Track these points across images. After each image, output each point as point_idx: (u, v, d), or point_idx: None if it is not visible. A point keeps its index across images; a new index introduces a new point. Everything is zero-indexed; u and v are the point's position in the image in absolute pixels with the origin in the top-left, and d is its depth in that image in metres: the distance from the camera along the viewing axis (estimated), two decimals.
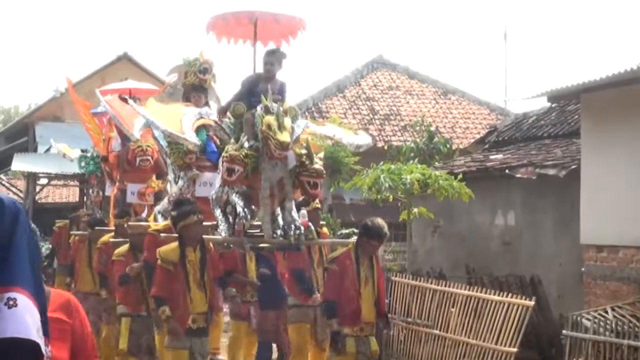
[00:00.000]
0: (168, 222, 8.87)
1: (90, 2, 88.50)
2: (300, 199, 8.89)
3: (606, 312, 9.82)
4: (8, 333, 2.19)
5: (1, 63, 79.55)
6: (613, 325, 9.42)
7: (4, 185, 31.19)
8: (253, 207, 8.52)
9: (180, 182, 9.91)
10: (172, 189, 10.18)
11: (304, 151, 8.12)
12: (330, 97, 24.66)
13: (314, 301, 9.23)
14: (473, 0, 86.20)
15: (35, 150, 26.29)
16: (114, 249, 9.82)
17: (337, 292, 7.90)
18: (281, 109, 7.83)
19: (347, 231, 15.10)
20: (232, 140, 8.57)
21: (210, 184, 9.31)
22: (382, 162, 13.76)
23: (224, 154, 8.14)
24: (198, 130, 9.07)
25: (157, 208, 10.28)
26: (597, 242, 11.30)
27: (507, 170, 13.79)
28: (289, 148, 7.75)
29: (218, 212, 8.44)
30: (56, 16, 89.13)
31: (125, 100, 10.58)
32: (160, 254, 7.86)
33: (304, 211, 8.78)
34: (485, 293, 10.36)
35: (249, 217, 8.26)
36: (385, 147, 20.30)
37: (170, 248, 7.89)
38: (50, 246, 15.47)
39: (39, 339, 2.25)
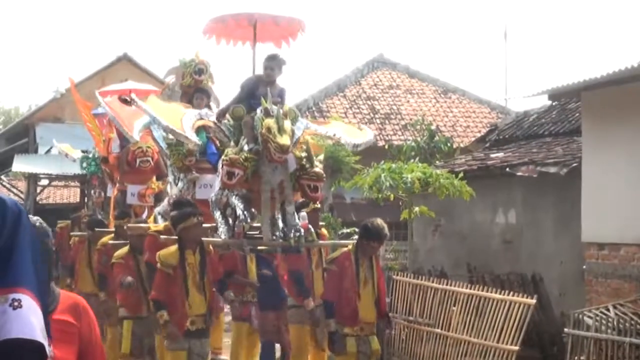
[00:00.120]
0: (168, 223, 8.87)
1: (90, 3, 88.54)
2: (300, 201, 8.89)
3: (608, 310, 9.81)
4: (13, 334, 2.19)
5: (1, 64, 79.57)
6: (615, 323, 9.41)
7: (4, 186, 31.21)
8: (253, 209, 8.51)
9: (180, 184, 9.91)
10: (172, 190, 10.18)
11: (304, 154, 8.11)
12: (331, 97, 24.66)
13: (307, 306, 9.22)
14: None
15: (35, 151, 26.31)
16: (113, 250, 9.81)
17: (336, 292, 7.91)
18: (281, 111, 7.81)
19: (348, 230, 15.13)
20: (232, 143, 8.55)
21: (210, 186, 9.31)
22: (382, 161, 13.75)
23: (223, 157, 8.12)
24: (198, 131, 9.06)
25: (157, 209, 10.27)
26: (599, 240, 11.30)
27: (508, 169, 13.78)
28: (289, 151, 7.74)
29: (218, 215, 8.43)
30: (56, 17, 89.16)
31: (125, 101, 10.57)
32: (160, 258, 7.86)
33: (303, 213, 8.79)
34: (487, 291, 10.36)
35: (248, 219, 8.25)
36: (386, 146, 20.29)
37: (169, 252, 7.89)
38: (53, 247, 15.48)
39: (44, 340, 2.25)
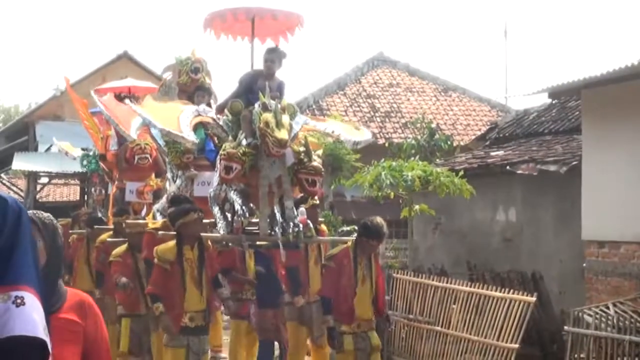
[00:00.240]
0: (166, 220, 8.87)
1: (90, 1, 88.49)
2: (299, 196, 8.88)
3: (608, 307, 9.81)
4: (16, 331, 2.20)
5: (1, 62, 79.54)
6: (615, 321, 9.41)
7: (4, 184, 31.22)
8: (251, 204, 8.50)
9: (179, 181, 9.91)
10: (171, 187, 10.18)
11: (302, 148, 8.11)
12: (331, 95, 24.65)
13: (296, 303, 9.20)
14: None
15: (35, 149, 26.31)
16: (112, 247, 9.80)
17: (334, 289, 7.90)
18: (279, 106, 7.81)
19: (348, 228, 15.12)
20: (230, 138, 8.54)
21: (209, 183, 9.30)
22: (383, 159, 13.74)
23: (221, 151, 8.12)
24: (196, 128, 9.05)
25: (156, 206, 10.26)
26: (599, 238, 11.30)
27: (508, 167, 13.78)
28: (287, 145, 7.73)
29: (216, 210, 8.40)
30: (56, 15, 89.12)
31: (122, 100, 10.58)
32: (158, 253, 7.84)
33: (302, 209, 8.76)
34: (487, 289, 10.35)
35: (247, 214, 8.23)
36: (386, 144, 20.28)
37: (167, 247, 7.87)
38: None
39: (46, 337, 2.26)
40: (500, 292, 10.12)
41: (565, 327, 9.97)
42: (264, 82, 8.33)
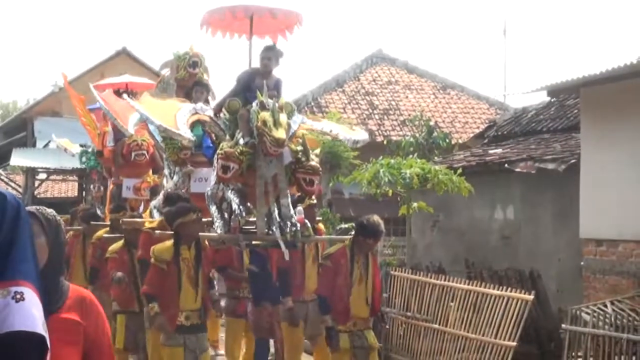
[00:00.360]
0: (162, 218, 8.84)
1: None
2: (297, 195, 8.86)
3: (605, 306, 9.81)
4: (16, 326, 2.20)
5: (0, 58, 79.43)
6: (612, 320, 9.41)
7: (2, 180, 31.20)
8: (249, 204, 8.48)
9: (176, 178, 9.89)
10: (168, 184, 10.17)
11: (299, 147, 8.09)
12: (330, 92, 24.64)
13: (285, 304, 9.18)
14: None
15: (33, 145, 26.31)
16: (108, 244, 9.78)
17: (330, 288, 7.88)
18: (277, 105, 7.79)
19: (346, 226, 15.11)
20: (228, 137, 8.52)
21: (206, 179, 9.28)
22: (381, 157, 13.74)
23: (219, 151, 8.09)
24: (194, 125, 9.04)
25: (153, 203, 10.23)
26: (597, 236, 11.30)
27: (506, 165, 13.78)
28: (285, 145, 7.71)
29: (213, 209, 8.36)
30: (55, 11, 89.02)
31: (120, 95, 10.56)
32: (154, 253, 7.80)
33: (300, 208, 8.74)
34: (485, 287, 10.35)
35: (244, 214, 8.21)
36: (385, 142, 20.28)
37: (164, 247, 7.82)
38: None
39: (45, 333, 2.26)
40: (498, 290, 10.11)
41: (563, 325, 9.97)
42: (262, 80, 8.31)
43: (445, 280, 11.01)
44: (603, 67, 10.42)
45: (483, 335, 9.96)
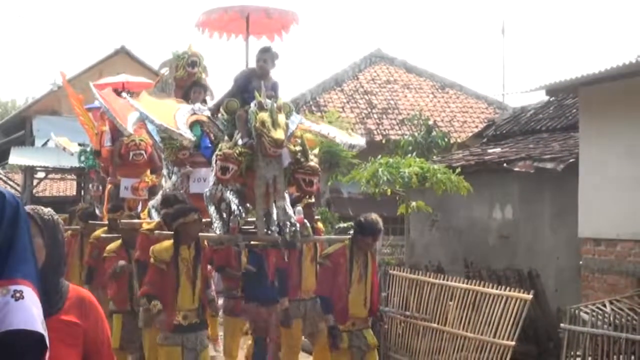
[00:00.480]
0: (160, 219, 8.82)
1: None
2: (294, 195, 8.85)
3: (604, 305, 9.81)
4: (15, 325, 2.20)
5: None
6: (611, 319, 9.42)
7: (1, 179, 31.18)
8: (248, 204, 8.46)
9: (174, 178, 9.87)
10: (167, 184, 10.15)
11: (298, 148, 8.07)
12: (328, 91, 24.64)
13: (281, 305, 9.16)
14: None
15: (32, 143, 26.29)
16: (106, 244, 9.77)
17: (330, 288, 7.87)
18: (275, 105, 7.78)
19: (345, 225, 15.14)
20: (226, 137, 8.51)
21: (204, 180, 9.25)
22: (380, 156, 13.74)
23: (217, 151, 8.06)
24: (192, 125, 9.02)
25: (151, 203, 10.20)
26: (595, 236, 11.30)
27: (505, 164, 13.77)
28: (284, 145, 7.70)
29: (212, 210, 8.32)
30: (54, 10, 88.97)
31: (119, 95, 10.53)
32: (154, 253, 7.77)
33: (299, 208, 8.73)
34: (483, 286, 10.34)
35: (243, 215, 8.19)
36: (383, 141, 20.29)
37: (163, 247, 7.79)
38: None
39: (44, 332, 2.25)
40: (496, 289, 10.11)
41: (562, 325, 9.98)
42: (259, 81, 8.30)
43: (443, 279, 11.00)
44: (602, 66, 10.44)
45: (482, 334, 9.96)
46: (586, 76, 10.77)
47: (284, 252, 8.17)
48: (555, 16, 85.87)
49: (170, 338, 7.70)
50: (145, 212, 10.28)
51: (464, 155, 16.00)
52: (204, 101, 10.03)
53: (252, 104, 7.88)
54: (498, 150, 15.35)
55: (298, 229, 8.01)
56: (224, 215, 8.35)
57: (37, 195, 28.23)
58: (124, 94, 9.97)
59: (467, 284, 10.61)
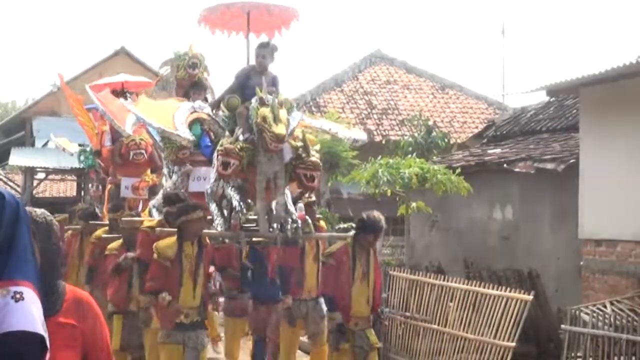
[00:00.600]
0: (162, 218, 8.81)
1: None
2: (298, 191, 8.83)
3: (605, 306, 9.81)
4: (15, 326, 2.18)
5: None
6: (611, 320, 9.41)
7: (1, 179, 31.18)
8: (249, 200, 8.45)
9: (174, 177, 9.85)
10: (167, 183, 10.14)
11: (300, 143, 8.06)
12: (328, 92, 24.63)
13: (285, 303, 9.14)
14: None
15: (32, 144, 26.29)
16: (107, 244, 9.76)
17: (334, 287, 7.86)
18: (276, 101, 7.77)
19: (345, 225, 15.11)
20: (227, 134, 8.50)
21: (204, 178, 9.24)
22: (380, 157, 13.73)
23: (219, 147, 8.06)
24: (192, 124, 9.01)
25: (152, 202, 10.18)
26: (596, 237, 11.30)
27: (505, 165, 13.77)
28: (285, 140, 7.69)
29: (213, 207, 8.30)
30: (54, 11, 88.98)
31: (119, 96, 10.50)
32: (158, 250, 7.74)
33: (301, 204, 8.71)
34: (484, 287, 10.35)
35: (245, 211, 8.18)
36: (383, 142, 20.28)
37: (167, 243, 7.78)
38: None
39: (44, 333, 2.24)
40: (497, 290, 10.11)
41: (562, 326, 9.97)
42: (258, 77, 8.30)
43: (444, 280, 11.00)
44: (602, 67, 10.44)
45: (482, 335, 9.96)
46: (587, 77, 10.76)
47: (280, 249, 8.14)
48: (555, 16, 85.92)
49: (171, 336, 7.68)
50: (146, 211, 10.27)
51: (464, 156, 15.99)
52: (205, 100, 10.02)
53: (254, 100, 7.88)
54: (498, 150, 15.34)
55: (299, 225, 8.00)
56: (225, 212, 8.34)
57: (37, 196, 28.22)
58: (121, 100, 9.95)
59: (467, 284, 10.61)
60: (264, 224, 8.03)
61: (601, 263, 11.19)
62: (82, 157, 14.17)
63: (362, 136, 9.54)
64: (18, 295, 2.23)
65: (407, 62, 26.87)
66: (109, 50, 27.72)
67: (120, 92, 12.53)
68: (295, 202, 8.44)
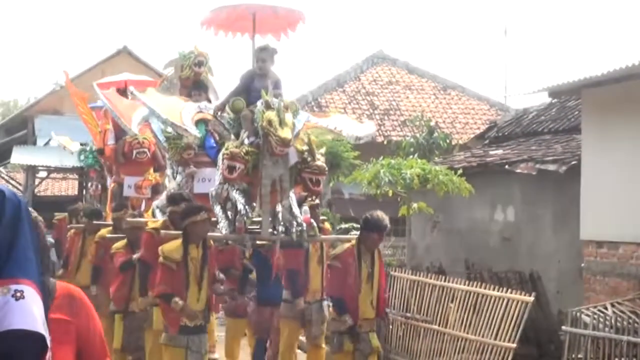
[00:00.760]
0: (166, 219, 8.80)
1: None
2: (303, 195, 8.81)
3: (606, 308, 9.80)
4: (15, 325, 2.18)
5: (1, 56, 79.46)
6: (612, 322, 9.41)
7: (3, 178, 31.18)
8: (254, 204, 8.43)
9: (179, 178, 9.83)
10: (171, 184, 10.13)
11: (305, 147, 8.06)
12: (330, 92, 24.64)
13: (298, 305, 9.13)
14: None
15: (34, 143, 26.27)
16: (111, 243, 9.75)
17: (341, 289, 7.83)
18: (282, 104, 7.76)
19: (346, 226, 15.12)
20: (232, 137, 8.49)
21: (209, 180, 9.22)
22: (381, 157, 13.73)
23: (224, 150, 8.04)
24: (197, 124, 9.01)
25: (156, 203, 10.16)
26: (597, 238, 11.29)
27: (507, 166, 13.76)
28: (290, 144, 7.69)
29: (218, 209, 8.28)
30: (56, 9, 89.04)
31: (123, 93, 10.48)
32: (164, 252, 7.69)
33: (306, 207, 8.69)
34: (485, 288, 10.34)
35: (249, 214, 8.16)
36: (385, 142, 20.27)
37: (173, 246, 7.72)
38: (53, 240, 15.44)
39: (45, 332, 2.24)
40: (498, 291, 10.11)
41: (563, 327, 9.97)
42: (261, 81, 8.29)
43: (445, 281, 11.00)
44: (604, 68, 10.43)
45: (483, 336, 9.96)
46: (589, 78, 10.76)
47: (277, 252, 8.13)
48: (558, 18, 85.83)
49: (174, 339, 7.65)
50: (150, 211, 10.26)
51: (466, 157, 15.99)
52: (208, 100, 10.01)
53: (259, 103, 7.86)
54: (500, 152, 15.34)
55: (304, 228, 7.99)
56: (230, 214, 8.32)
57: (38, 194, 28.22)
58: (131, 88, 9.92)
59: (468, 285, 10.61)
60: (267, 227, 8.03)
61: (602, 265, 11.19)
62: (81, 156, 14.18)
63: (369, 130, 9.44)
64: (18, 294, 2.22)
65: (409, 63, 26.87)
66: (111, 50, 27.72)
67: (123, 91, 12.53)
68: (300, 205, 8.42)
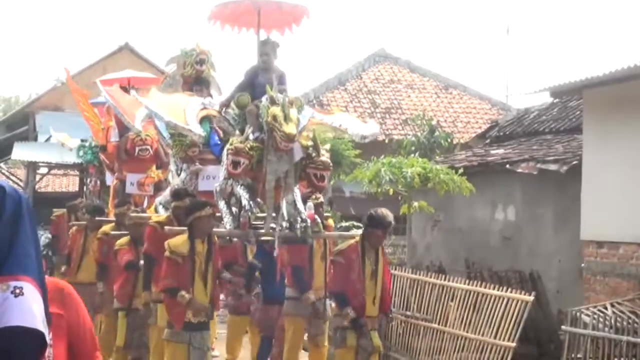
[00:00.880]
0: (170, 214, 8.80)
1: None
2: (308, 191, 8.80)
3: (605, 308, 9.81)
4: (13, 322, 2.17)
5: (2, 52, 79.45)
6: (612, 322, 9.42)
7: (3, 174, 31.18)
8: (258, 199, 8.43)
9: (183, 175, 9.83)
10: (174, 181, 10.11)
11: (310, 143, 8.05)
12: (332, 90, 24.65)
13: (306, 300, 9.12)
14: None
15: (35, 139, 26.28)
16: (115, 240, 9.75)
17: (344, 284, 7.83)
18: (287, 99, 7.76)
19: (346, 224, 15.09)
20: (237, 132, 8.49)
21: (213, 177, 9.20)
22: (383, 156, 13.74)
23: (228, 146, 8.04)
24: (202, 121, 8.98)
25: (159, 199, 10.16)
26: (598, 238, 11.30)
27: (508, 165, 13.77)
28: (295, 140, 7.68)
29: (222, 205, 8.26)
30: (58, 6, 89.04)
31: (126, 91, 10.47)
32: (170, 246, 7.66)
33: (310, 203, 8.67)
34: (485, 287, 10.35)
35: (254, 210, 8.15)
36: (386, 141, 20.28)
37: (180, 240, 7.71)
38: (51, 235, 15.45)
39: (44, 329, 2.23)
40: (498, 290, 10.12)
41: (563, 327, 9.98)
42: (265, 76, 8.29)
43: (445, 280, 11.01)
44: (606, 68, 10.45)
45: (482, 335, 9.97)
46: (591, 78, 10.77)
47: (275, 248, 8.11)
48: (560, 18, 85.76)
49: (177, 335, 7.64)
50: (152, 208, 10.25)
51: (467, 156, 15.99)
52: (210, 96, 10.00)
53: (264, 98, 7.86)
54: (501, 151, 15.34)
55: (309, 224, 7.99)
56: (234, 210, 8.31)
57: (39, 190, 28.22)
58: (132, 92, 9.92)
59: (468, 284, 10.62)
60: (269, 222, 8.03)
61: (602, 265, 11.19)
62: (80, 153, 14.16)
63: (373, 130, 9.43)
64: (18, 291, 2.21)
65: (411, 62, 26.87)
66: (113, 46, 27.73)
67: (126, 87, 12.52)
68: (304, 202, 8.41)
